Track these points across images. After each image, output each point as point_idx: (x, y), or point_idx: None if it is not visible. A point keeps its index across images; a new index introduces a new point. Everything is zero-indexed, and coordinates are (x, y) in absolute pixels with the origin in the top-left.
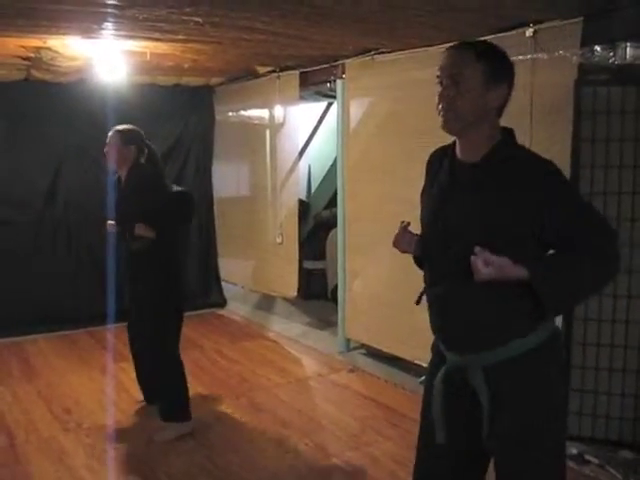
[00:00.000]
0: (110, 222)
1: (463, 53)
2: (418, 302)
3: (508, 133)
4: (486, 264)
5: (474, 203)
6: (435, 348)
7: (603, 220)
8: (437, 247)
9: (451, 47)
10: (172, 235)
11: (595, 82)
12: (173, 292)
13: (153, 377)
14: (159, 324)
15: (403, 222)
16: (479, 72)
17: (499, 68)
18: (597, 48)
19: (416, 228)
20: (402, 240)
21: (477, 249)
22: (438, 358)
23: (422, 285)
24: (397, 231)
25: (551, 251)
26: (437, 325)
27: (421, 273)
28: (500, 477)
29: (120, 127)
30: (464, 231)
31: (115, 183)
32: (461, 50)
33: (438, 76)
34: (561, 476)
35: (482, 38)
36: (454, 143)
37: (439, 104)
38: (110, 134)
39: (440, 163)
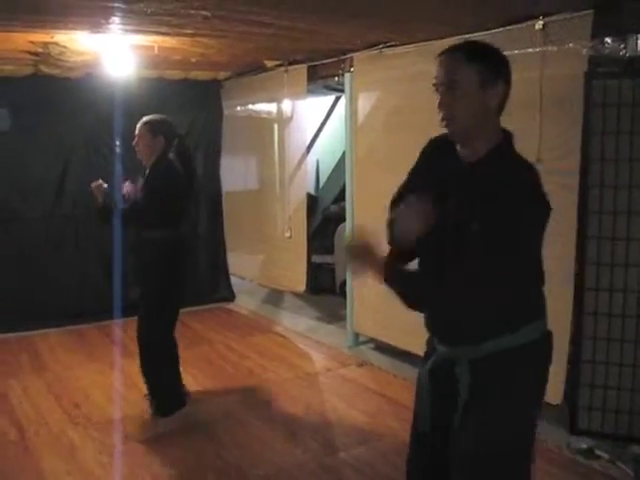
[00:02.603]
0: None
1: (454, 57)
2: None
3: (507, 137)
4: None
5: (459, 202)
6: (429, 340)
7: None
8: (430, 241)
9: (442, 53)
10: (178, 222)
11: (605, 74)
12: (172, 285)
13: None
14: (151, 315)
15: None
16: (473, 74)
17: (493, 66)
18: (607, 40)
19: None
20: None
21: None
22: (431, 350)
23: None
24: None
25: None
26: (428, 318)
27: None
28: (456, 466)
29: (148, 118)
30: (451, 226)
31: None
32: (452, 55)
33: (434, 84)
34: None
35: (491, 31)
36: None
37: (440, 113)
38: (138, 125)
39: (440, 153)
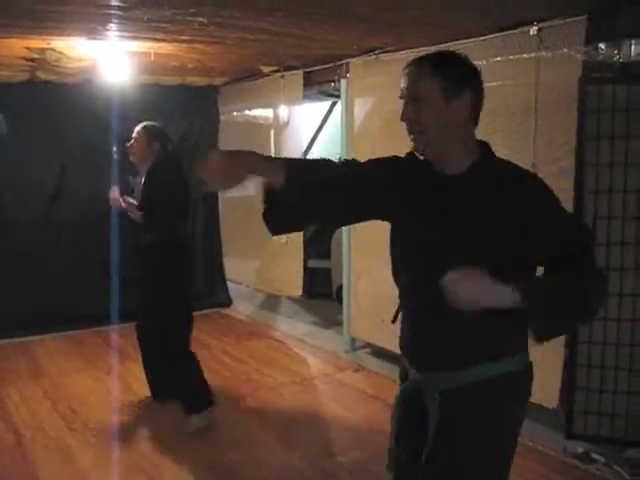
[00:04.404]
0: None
1: (418, 69)
2: (394, 320)
3: (486, 146)
4: (460, 283)
5: (461, 219)
6: (401, 367)
7: (589, 234)
8: (419, 262)
9: (408, 64)
10: (180, 230)
11: (600, 80)
12: (181, 289)
13: (163, 374)
14: (169, 321)
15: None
16: (436, 86)
17: (457, 78)
18: (601, 46)
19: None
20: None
21: (449, 273)
22: (403, 374)
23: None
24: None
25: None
26: (403, 341)
27: None
28: None
29: (146, 123)
30: (450, 248)
31: (138, 176)
32: (416, 66)
33: (401, 97)
34: None
35: (486, 37)
36: None
37: (407, 126)
38: (136, 129)
39: (414, 173)
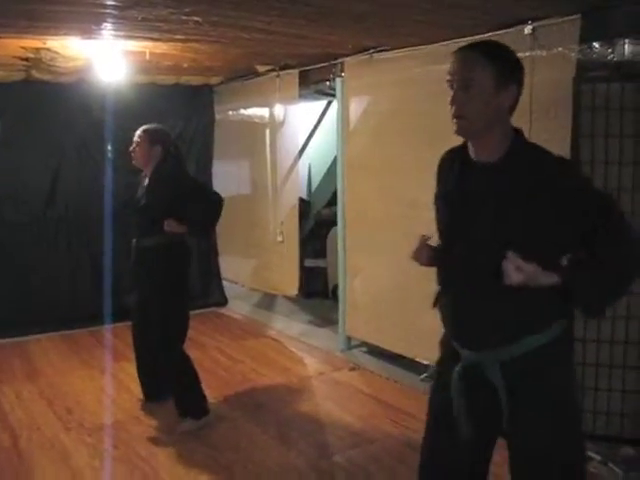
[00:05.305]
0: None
1: (473, 55)
2: (435, 305)
3: (518, 132)
4: (517, 270)
5: (498, 206)
6: (445, 345)
7: (623, 215)
8: (457, 249)
9: (460, 49)
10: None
11: (594, 79)
12: (180, 290)
13: (158, 374)
14: (167, 322)
15: (424, 236)
16: (490, 75)
17: (509, 69)
18: (596, 45)
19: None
20: (422, 255)
21: (509, 254)
22: (450, 356)
23: (431, 285)
24: (417, 245)
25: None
26: (453, 324)
27: (422, 270)
28: (515, 467)
29: (147, 126)
30: (489, 234)
31: (141, 180)
32: (471, 52)
33: (449, 80)
34: (581, 469)
35: (480, 36)
36: (464, 144)
37: (452, 108)
38: (137, 133)
39: (451, 166)
